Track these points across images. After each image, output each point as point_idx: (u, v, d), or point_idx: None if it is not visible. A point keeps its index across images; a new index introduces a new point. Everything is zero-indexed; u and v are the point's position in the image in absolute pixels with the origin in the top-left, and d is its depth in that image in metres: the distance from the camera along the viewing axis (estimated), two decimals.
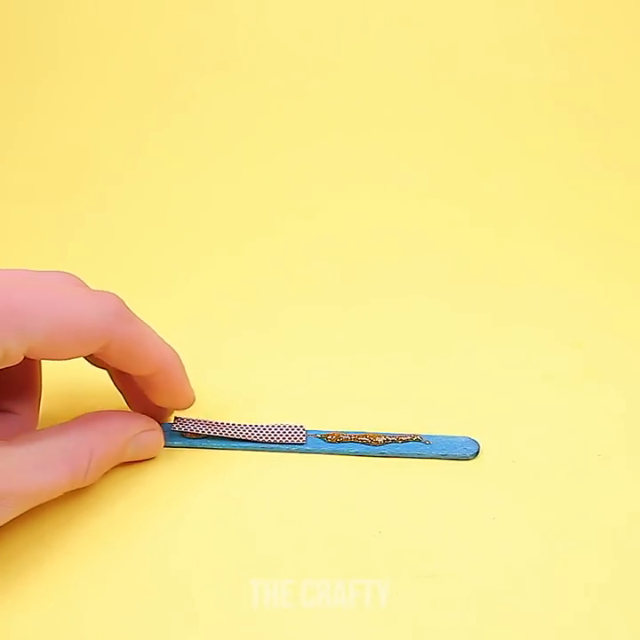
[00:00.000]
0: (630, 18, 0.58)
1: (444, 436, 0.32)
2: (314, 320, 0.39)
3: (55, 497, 0.27)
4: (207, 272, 0.43)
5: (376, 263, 0.44)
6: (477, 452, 0.31)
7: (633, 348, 0.37)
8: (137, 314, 0.29)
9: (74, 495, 0.29)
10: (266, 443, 0.32)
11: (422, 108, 0.55)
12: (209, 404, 0.34)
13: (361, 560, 0.28)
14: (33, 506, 0.26)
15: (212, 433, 0.32)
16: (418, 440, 0.32)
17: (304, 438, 0.32)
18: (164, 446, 0.32)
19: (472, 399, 0.34)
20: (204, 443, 0.32)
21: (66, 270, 0.29)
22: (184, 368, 0.30)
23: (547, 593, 0.27)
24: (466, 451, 0.31)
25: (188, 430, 0.32)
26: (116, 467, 0.30)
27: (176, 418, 0.32)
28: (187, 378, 0.31)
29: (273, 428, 0.32)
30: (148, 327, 0.29)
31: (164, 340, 0.30)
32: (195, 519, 0.29)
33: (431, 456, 0.31)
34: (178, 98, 0.57)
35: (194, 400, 0.31)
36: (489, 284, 0.42)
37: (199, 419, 0.32)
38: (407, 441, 0.32)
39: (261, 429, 0.32)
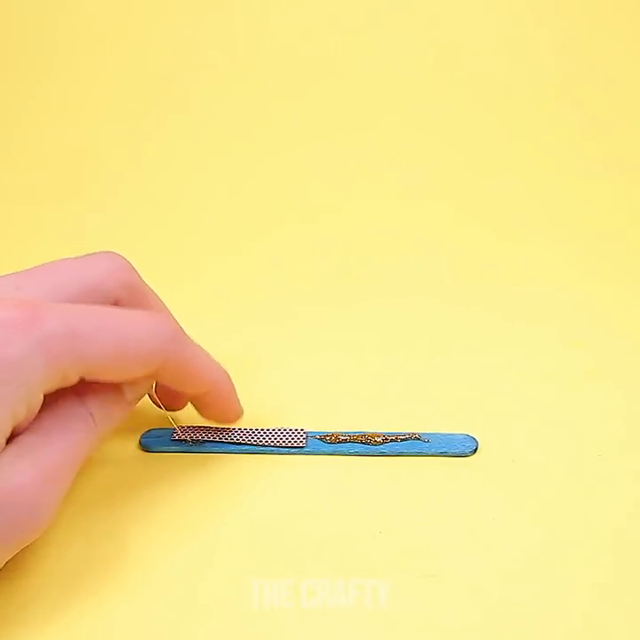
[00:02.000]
0: (630, 18, 0.58)
1: (442, 434, 0.32)
2: (313, 320, 0.39)
3: (88, 456, 0.26)
4: (206, 272, 0.43)
5: (376, 263, 0.44)
6: (476, 449, 0.32)
7: (633, 347, 0.37)
8: None
9: (70, 495, 0.29)
10: (266, 446, 0.32)
11: (422, 108, 0.56)
12: None
13: (361, 560, 0.28)
14: (75, 472, 0.26)
15: (212, 439, 0.32)
16: (416, 439, 0.32)
17: (304, 441, 0.32)
18: (166, 452, 0.32)
19: (472, 399, 0.34)
20: (205, 448, 0.32)
21: None
22: (233, 387, 0.31)
23: (547, 593, 0.27)
24: (464, 447, 0.31)
25: (190, 438, 0.32)
26: (112, 469, 0.30)
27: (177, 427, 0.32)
28: (236, 395, 0.31)
29: (273, 432, 0.32)
30: (201, 349, 0.29)
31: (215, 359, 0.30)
32: (195, 519, 0.29)
33: (430, 454, 0.31)
34: (178, 98, 0.57)
35: (241, 415, 0.31)
36: (489, 284, 0.42)
37: (199, 426, 0.32)
38: (406, 440, 0.32)
39: (262, 433, 0.32)
